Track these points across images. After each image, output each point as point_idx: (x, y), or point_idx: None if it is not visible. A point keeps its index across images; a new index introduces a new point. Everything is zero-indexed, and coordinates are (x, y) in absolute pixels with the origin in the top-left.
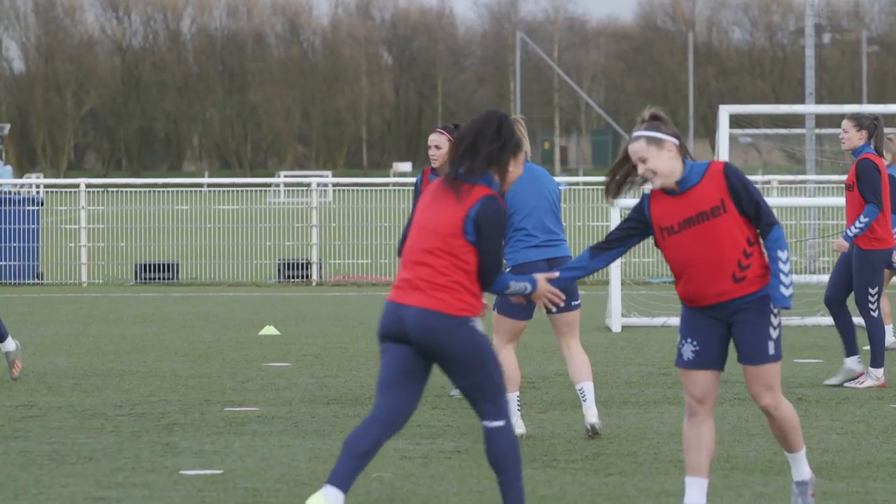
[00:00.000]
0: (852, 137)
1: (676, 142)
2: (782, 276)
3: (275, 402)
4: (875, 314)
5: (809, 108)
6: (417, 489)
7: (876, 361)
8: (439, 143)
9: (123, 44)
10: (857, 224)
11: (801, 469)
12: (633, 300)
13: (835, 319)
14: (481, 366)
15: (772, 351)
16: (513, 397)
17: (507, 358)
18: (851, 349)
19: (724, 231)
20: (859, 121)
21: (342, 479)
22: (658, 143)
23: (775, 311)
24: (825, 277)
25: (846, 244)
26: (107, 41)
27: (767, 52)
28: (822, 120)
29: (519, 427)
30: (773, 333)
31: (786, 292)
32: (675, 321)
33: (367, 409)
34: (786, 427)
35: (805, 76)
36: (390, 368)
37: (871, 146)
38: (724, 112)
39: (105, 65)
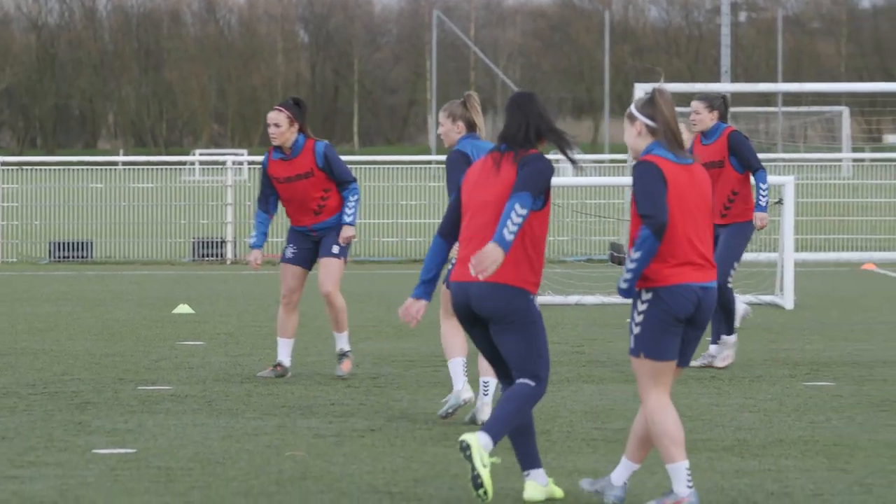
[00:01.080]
0: (704, 119)
1: (651, 123)
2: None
3: (188, 381)
4: (730, 285)
5: (725, 87)
6: (330, 468)
7: (729, 329)
8: (278, 121)
9: (39, 21)
10: (762, 192)
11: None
12: (547, 278)
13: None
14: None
15: (631, 344)
16: (459, 361)
17: (451, 328)
18: (731, 328)
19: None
20: (710, 101)
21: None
22: (630, 118)
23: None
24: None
25: (767, 215)
26: (22, 18)
27: (684, 30)
28: (737, 98)
29: (466, 392)
30: (634, 328)
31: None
32: (588, 299)
33: (281, 388)
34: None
35: (721, 54)
36: (485, 350)
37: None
38: (640, 90)
39: (20, 42)
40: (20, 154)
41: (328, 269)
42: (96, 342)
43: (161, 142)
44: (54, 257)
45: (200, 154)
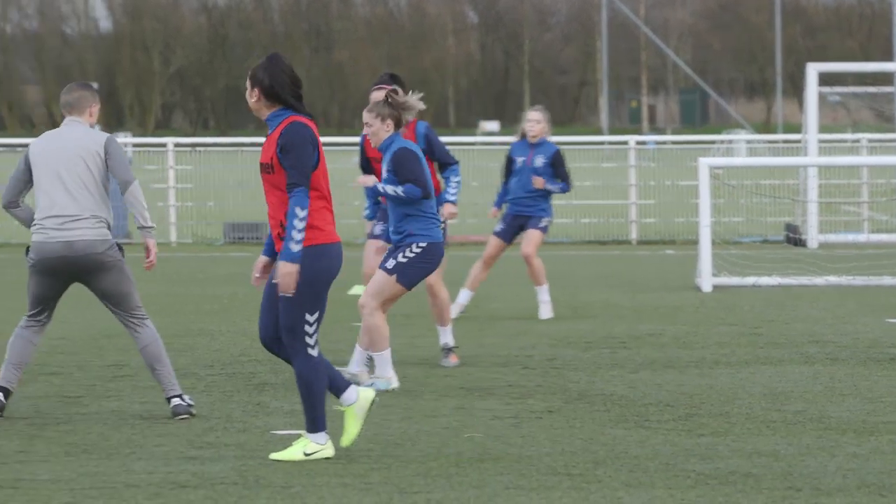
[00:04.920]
0: None
1: None
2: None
3: (366, 363)
4: None
5: None
6: (508, 449)
7: None
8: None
9: (209, 2)
10: None
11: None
12: (723, 259)
13: None
14: None
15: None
16: (386, 354)
17: (380, 320)
18: None
19: None
20: None
21: None
22: None
23: None
24: None
25: None
26: (193, 0)
27: (856, 8)
28: None
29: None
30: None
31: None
32: (765, 281)
33: (458, 370)
34: None
35: (893, 33)
36: None
37: None
38: (813, 70)
39: (191, 24)
40: (193, 135)
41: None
42: None
43: (333, 123)
44: (229, 238)
45: None
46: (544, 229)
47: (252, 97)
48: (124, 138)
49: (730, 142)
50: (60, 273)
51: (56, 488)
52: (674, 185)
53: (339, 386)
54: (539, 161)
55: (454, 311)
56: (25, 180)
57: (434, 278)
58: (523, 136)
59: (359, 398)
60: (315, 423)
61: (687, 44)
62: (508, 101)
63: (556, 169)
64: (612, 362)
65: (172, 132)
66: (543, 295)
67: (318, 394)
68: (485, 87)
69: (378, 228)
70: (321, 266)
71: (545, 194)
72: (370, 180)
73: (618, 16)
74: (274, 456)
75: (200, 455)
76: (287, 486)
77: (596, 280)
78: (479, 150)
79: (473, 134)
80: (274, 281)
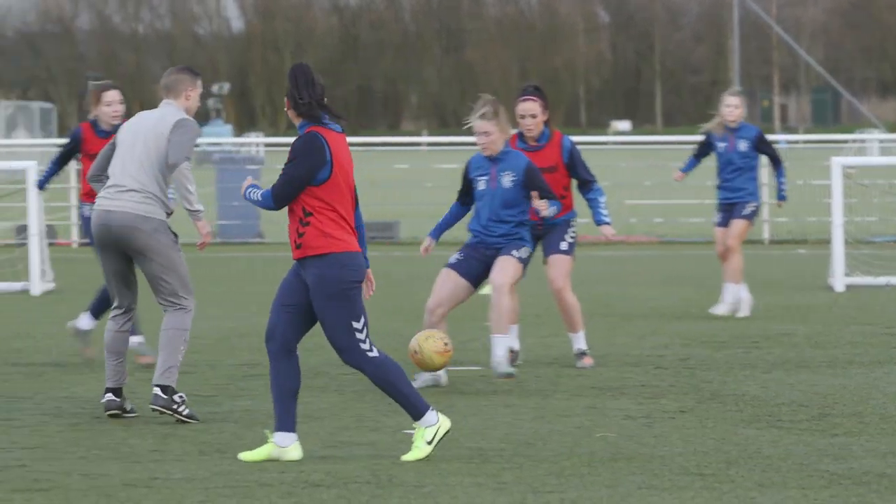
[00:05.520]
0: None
1: None
2: None
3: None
4: None
5: None
6: (641, 449)
7: None
8: (534, 112)
9: (341, 3)
10: None
11: None
12: (856, 259)
13: None
14: None
15: None
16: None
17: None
18: None
19: None
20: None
21: None
22: None
23: None
24: None
25: None
26: (324, 1)
27: None
28: None
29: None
30: None
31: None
32: None
33: (590, 370)
34: None
35: None
36: None
37: None
38: None
39: (323, 24)
40: None
41: (558, 266)
42: (404, 322)
43: (463, 122)
44: None
45: None
46: (750, 216)
47: (287, 107)
48: (256, 138)
49: (862, 141)
50: (107, 245)
51: (190, 487)
52: (806, 184)
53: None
54: (743, 146)
55: (733, 308)
56: (110, 156)
57: (562, 283)
58: (720, 124)
59: (438, 422)
60: (416, 407)
61: (819, 42)
62: (640, 101)
63: (764, 149)
64: (745, 362)
65: None
66: (740, 293)
67: (399, 382)
68: (616, 87)
69: (453, 258)
70: (341, 274)
71: (752, 177)
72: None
73: (749, 15)
74: (405, 458)
75: (333, 454)
76: (419, 485)
77: None
78: (611, 150)
79: (604, 133)
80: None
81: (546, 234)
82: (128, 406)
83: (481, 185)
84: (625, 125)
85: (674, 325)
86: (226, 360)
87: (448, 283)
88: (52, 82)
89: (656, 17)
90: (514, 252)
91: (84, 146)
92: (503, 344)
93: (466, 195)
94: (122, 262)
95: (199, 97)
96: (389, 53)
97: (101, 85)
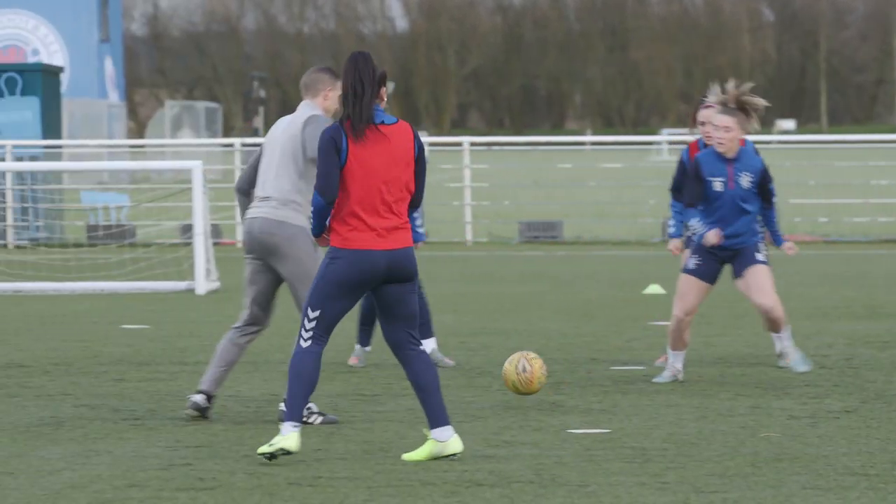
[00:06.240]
0: None
1: None
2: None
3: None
4: None
5: None
6: (805, 449)
7: None
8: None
9: (505, 2)
10: None
11: None
12: None
13: None
14: None
15: None
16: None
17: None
18: None
19: None
20: None
21: None
22: None
23: None
24: None
25: None
26: (489, 0)
27: None
28: None
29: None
30: None
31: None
32: None
33: (754, 369)
34: None
35: None
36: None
37: None
38: None
39: (487, 24)
40: (488, 134)
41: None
42: (568, 322)
43: (628, 122)
44: (524, 237)
45: (668, 134)
46: None
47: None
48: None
49: None
50: (252, 254)
51: (353, 486)
52: None
53: (437, 417)
54: None
55: None
56: (256, 167)
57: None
58: None
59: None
60: (290, 413)
61: None
62: (804, 100)
63: None
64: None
65: (468, 131)
66: None
67: (297, 383)
68: (780, 86)
69: (692, 262)
70: (333, 267)
71: None
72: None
73: None
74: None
75: (496, 454)
76: (583, 484)
77: (893, 279)
78: (775, 149)
79: (769, 132)
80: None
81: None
82: (208, 414)
83: (717, 186)
84: (789, 124)
85: (838, 325)
86: (390, 359)
87: (693, 289)
88: (218, 82)
89: (821, 16)
90: (759, 256)
91: None
92: (787, 340)
93: (697, 196)
94: (264, 277)
95: (338, 99)
96: (553, 52)
97: None
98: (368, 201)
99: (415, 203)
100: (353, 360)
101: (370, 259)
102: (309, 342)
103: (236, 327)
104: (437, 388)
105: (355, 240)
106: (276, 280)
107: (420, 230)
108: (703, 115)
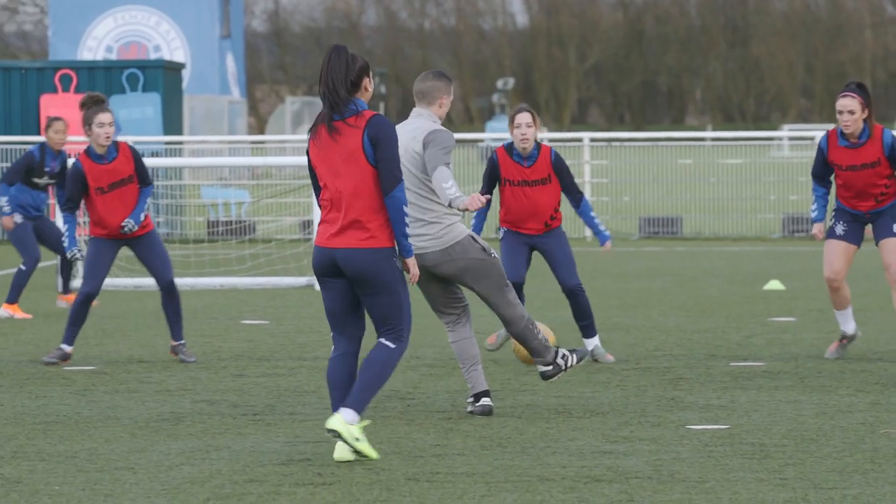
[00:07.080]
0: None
1: None
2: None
3: (781, 357)
4: None
5: None
6: None
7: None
8: (853, 108)
9: None
10: None
11: None
12: None
13: None
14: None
15: None
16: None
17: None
18: None
19: None
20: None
21: None
22: None
23: None
24: None
25: None
26: None
27: None
28: None
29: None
30: None
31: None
32: None
33: (873, 365)
34: None
35: None
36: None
37: None
38: None
39: (608, 19)
40: (608, 130)
41: (894, 250)
42: (687, 318)
43: (749, 117)
44: (644, 233)
45: (789, 129)
46: None
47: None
48: (540, 133)
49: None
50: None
51: (471, 481)
52: None
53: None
54: None
55: None
56: None
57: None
58: None
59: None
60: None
61: None
62: None
63: None
64: None
65: (588, 127)
66: None
67: (329, 389)
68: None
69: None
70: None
71: None
72: None
73: None
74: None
75: (615, 449)
76: (701, 480)
77: None
78: None
79: (891, 127)
80: None
81: (875, 219)
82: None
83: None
84: None
85: None
86: (509, 355)
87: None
88: None
89: None
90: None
91: None
92: None
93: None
94: (427, 287)
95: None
96: (674, 48)
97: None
98: (327, 198)
99: (574, 202)
100: (490, 340)
101: (319, 255)
102: (332, 347)
103: (449, 330)
104: (351, 384)
105: (318, 235)
106: (441, 281)
107: (601, 228)
108: (840, 104)
